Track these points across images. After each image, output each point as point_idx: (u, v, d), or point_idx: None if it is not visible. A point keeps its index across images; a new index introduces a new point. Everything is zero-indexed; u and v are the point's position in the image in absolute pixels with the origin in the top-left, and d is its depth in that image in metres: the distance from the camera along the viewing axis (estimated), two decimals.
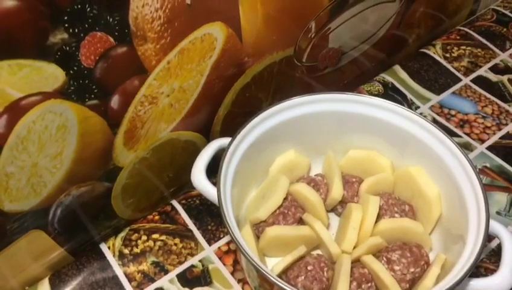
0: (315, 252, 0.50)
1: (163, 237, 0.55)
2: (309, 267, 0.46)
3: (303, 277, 0.46)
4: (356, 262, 0.48)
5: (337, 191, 0.51)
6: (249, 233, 0.48)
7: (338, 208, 0.54)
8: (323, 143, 0.55)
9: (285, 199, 0.51)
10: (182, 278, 0.53)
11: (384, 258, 0.47)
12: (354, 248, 0.48)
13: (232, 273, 0.53)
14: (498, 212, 0.57)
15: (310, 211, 0.51)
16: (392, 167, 0.54)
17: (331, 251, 0.47)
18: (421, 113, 0.66)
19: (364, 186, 0.53)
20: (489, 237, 0.43)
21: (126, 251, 0.54)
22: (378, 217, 0.50)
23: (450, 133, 0.64)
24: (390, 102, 0.51)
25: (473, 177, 0.45)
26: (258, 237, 0.50)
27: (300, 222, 0.50)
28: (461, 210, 0.45)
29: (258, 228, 0.50)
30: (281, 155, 0.54)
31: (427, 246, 0.49)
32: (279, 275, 0.46)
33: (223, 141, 0.49)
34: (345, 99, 0.52)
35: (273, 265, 0.47)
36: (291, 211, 0.50)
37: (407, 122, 0.51)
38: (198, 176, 0.47)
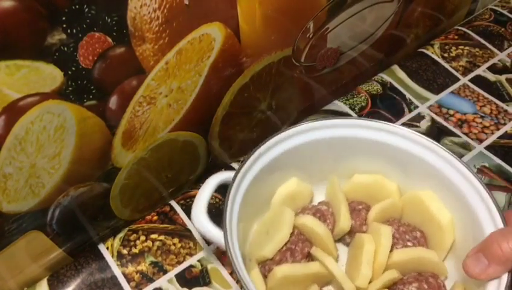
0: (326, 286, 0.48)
1: (162, 237, 0.55)
2: None
3: None
4: None
5: (345, 221, 0.49)
6: (258, 275, 0.45)
7: (346, 237, 0.51)
8: (325, 169, 0.53)
9: (291, 233, 0.48)
10: (181, 278, 0.53)
11: None
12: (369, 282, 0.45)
13: (231, 274, 0.53)
14: None
15: (318, 244, 0.48)
16: (399, 191, 0.52)
17: (345, 288, 0.44)
18: (419, 113, 0.66)
19: (372, 214, 0.50)
20: None
21: (124, 251, 0.54)
22: (391, 246, 0.47)
23: (449, 133, 0.64)
24: (393, 125, 0.49)
25: (488, 201, 0.43)
26: (265, 276, 0.47)
27: (309, 256, 0.48)
28: (476, 235, 0.43)
29: (264, 267, 0.47)
30: (282, 185, 0.52)
31: (443, 274, 0.47)
32: None
33: (221, 177, 0.47)
34: (346, 125, 0.50)
35: None
36: (298, 246, 0.47)
37: (412, 145, 0.49)
38: (199, 217, 0.45)
